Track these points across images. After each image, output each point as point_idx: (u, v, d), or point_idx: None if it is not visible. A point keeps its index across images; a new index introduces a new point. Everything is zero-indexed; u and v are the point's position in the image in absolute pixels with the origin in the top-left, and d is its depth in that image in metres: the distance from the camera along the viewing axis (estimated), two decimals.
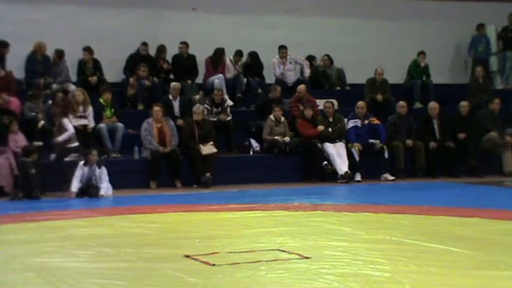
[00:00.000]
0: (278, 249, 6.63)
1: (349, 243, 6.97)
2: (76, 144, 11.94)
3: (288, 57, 15.87)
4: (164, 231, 7.93)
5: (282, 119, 14.01)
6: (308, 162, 13.65)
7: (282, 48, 15.86)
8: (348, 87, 16.60)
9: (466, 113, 14.84)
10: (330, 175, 13.41)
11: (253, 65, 15.79)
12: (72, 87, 13.93)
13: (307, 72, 16.05)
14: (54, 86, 14.01)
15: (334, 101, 14.75)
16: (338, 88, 16.53)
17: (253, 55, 15.80)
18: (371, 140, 13.94)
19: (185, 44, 15.35)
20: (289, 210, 9.53)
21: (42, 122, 12.50)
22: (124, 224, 8.57)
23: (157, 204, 10.59)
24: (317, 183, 13.22)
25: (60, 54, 14.40)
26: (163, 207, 10.14)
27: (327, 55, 16.70)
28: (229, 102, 14.46)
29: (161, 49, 15.24)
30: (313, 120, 14.12)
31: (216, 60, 15.39)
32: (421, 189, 12.52)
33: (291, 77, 15.86)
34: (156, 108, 12.84)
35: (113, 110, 13.37)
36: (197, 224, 8.52)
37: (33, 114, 12.72)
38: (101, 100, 13.36)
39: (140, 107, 14.37)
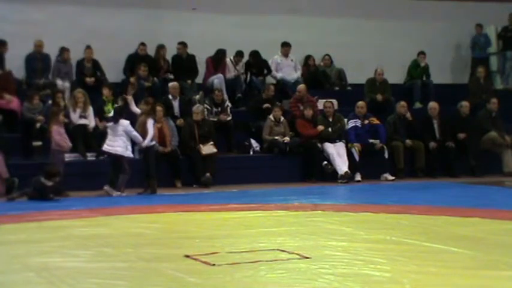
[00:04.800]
0: (278, 249, 6.63)
1: (349, 243, 6.97)
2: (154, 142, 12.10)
3: (289, 55, 16.03)
4: (164, 231, 7.93)
5: (282, 119, 14.02)
6: (308, 162, 13.65)
7: (285, 46, 15.92)
8: (349, 87, 16.60)
9: (466, 113, 14.84)
10: (330, 175, 13.42)
11: (255, 63, 15.80)
12: (59, 83, 14.01)
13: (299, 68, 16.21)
14: (59, 82, 14.07)
15: (334, 101, 14.76)
16: (337, 88, 16.53)
17: (255, 54, 15.79)
18: (371, 140, 13.94)
19: (183, 45, 15.34)
20: (289, 210, 9.53)
21: (39, 124, 12.49)
22: (124, 224, 8.57)
23: (157, 204, 10.59)
24: (317, 183, 13.22)
25: (66, 51, 14.42)
26: (163, 207, 10.14)
27: (328, 55, 16.70)
28: (228, 103, 14.48)
29: (160, 47, 15.24)
30: (313, 120, 14.12)
31: (218, 60, 15.39)
32: (421, 189, 12.51)
33: (291, 74, 15.88)
34: (158, 108, 12.81)
35: (114, 105, 13.33)
36: (197, 224, 8.52)
37: (32, 114, 12.72)
38: (104, 97, 13.41)
39: None
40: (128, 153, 11.52)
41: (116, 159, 11.49)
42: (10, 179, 11.47)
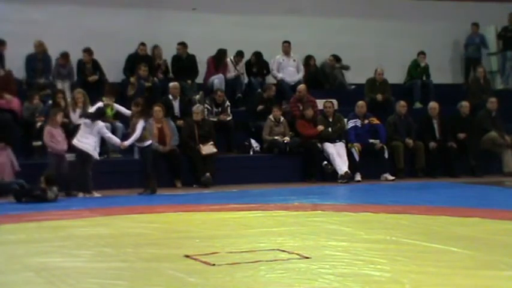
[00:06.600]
0: (278, 249, 6.62)
1: (349, 243, 6.96)
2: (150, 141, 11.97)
3: (291, 54, 16.00)
4: (164, 231, 7.92)
5: (282, 119, 14.02)
6: (308, 162, 13.66)
7: (285, 43, 15.92)
8: (353, 86, 16.59)
9: (466, 113, 14.83)
10: (330, 175, 13.42)
11: (256, 63, 15.79)
12: (58, 85, 14.00)
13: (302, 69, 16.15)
14: (59, 84, 14.07)
15: (334, 101, 14.76)
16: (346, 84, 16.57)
17: (258, 54, 15.78)
18: (371, 140, 13.95)
19: (182, 45, 15.34)
20: (289, 210, 9.53)
21: (40, 123, 12.48)
22: (124, 224, 8.57)
23: (157, 204, 10.60)
24: (317, 183, 13.23)
25: (66, 56, 14.39)
26: (163, 207, 10.14)
27: (334, 55, 16.63)
28: (227, 103, 14.48)
29: (154, 47, 15.25)
30: (313, 120, 14.12)
31: (219, 60, 15.39)
32: (421, 189, 12.52)
33: (293, 76, 15.85)
34: (157, 108, 12.82)
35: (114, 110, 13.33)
36: (197, 224, 8.51)
37: (34, 114, 12.73)
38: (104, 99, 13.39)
39: None
40: (95, 153, 11.45)
41: (83, 156, 11.36)
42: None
